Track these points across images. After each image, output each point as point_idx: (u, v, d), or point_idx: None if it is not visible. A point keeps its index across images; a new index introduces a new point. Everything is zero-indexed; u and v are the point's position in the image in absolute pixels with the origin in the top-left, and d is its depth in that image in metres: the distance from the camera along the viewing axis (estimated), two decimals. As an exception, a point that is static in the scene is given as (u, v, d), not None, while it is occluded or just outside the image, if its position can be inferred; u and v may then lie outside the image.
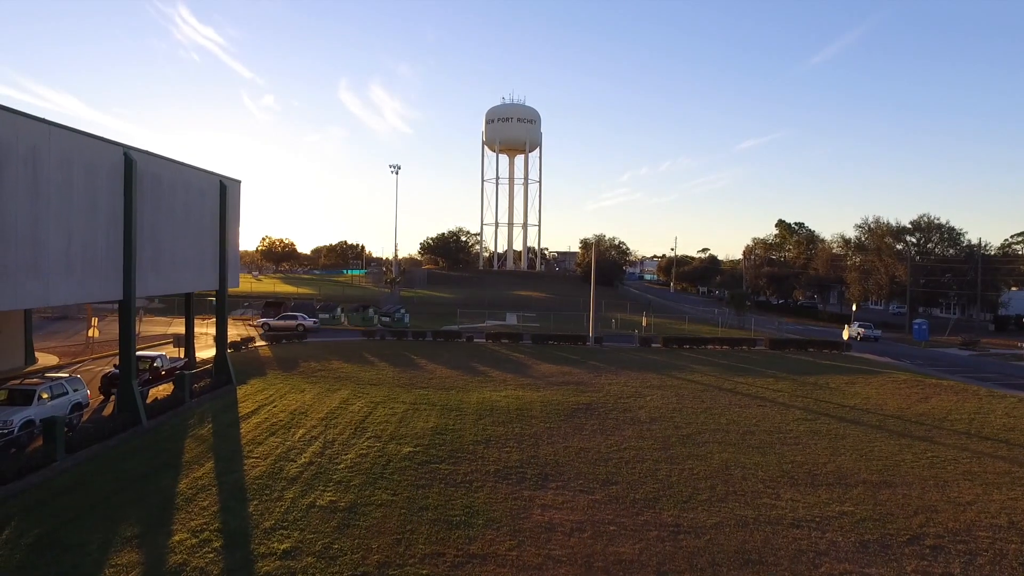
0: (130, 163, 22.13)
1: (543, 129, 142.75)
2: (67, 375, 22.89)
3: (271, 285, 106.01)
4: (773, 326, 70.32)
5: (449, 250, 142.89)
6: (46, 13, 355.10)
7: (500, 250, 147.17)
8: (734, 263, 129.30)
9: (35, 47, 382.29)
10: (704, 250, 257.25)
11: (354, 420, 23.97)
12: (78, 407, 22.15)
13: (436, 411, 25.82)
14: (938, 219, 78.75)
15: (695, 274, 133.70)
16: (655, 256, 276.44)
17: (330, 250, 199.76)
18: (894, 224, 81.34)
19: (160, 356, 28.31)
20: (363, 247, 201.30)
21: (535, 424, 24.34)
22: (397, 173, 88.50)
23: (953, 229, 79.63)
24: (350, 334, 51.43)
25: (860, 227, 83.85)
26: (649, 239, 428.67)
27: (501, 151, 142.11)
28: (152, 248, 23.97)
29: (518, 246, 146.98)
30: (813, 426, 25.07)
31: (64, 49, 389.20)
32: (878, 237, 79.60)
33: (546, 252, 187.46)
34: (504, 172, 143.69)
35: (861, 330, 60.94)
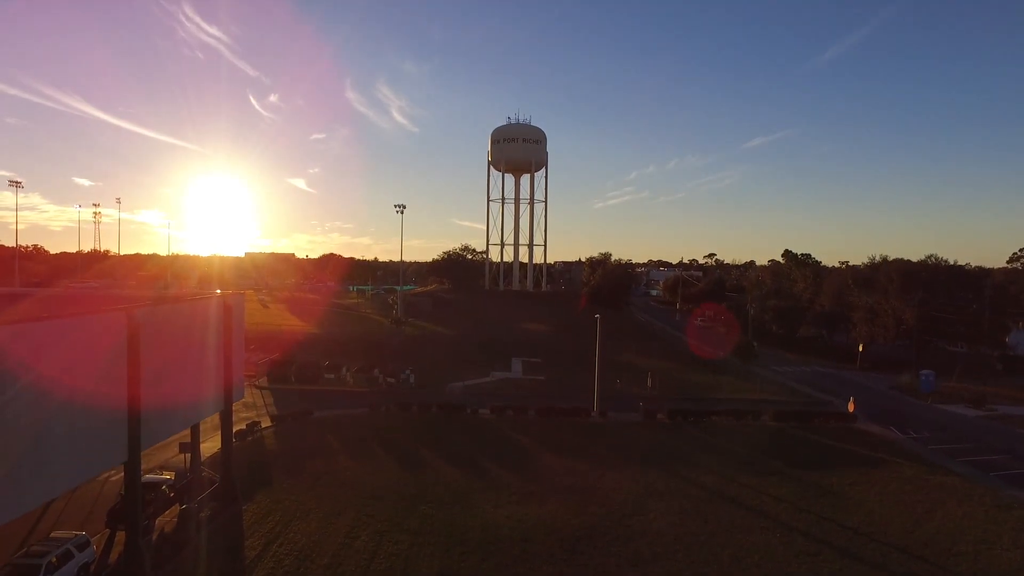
0: (134, 326, 22.30)
1: (548, 149, 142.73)
2: (72, 535, 23.05)
3: (279, 316, 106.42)
4: (778, 375, 70.18)
5: (455, 270, 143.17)
6: (49, 13, 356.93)
7: (506, 259, 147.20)
8: (741, 270, 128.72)
9: (39, 47, 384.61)
10: (711, 255, 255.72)
11: (359, 568, 24.23)
12: (85, 568, 22.43)
13: (440, 549, 26.02)
14: (946, 260, 78.47)
15: (701, 296, 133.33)
16: (661, 265, 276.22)
17: (339, 262, 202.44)
18: (901, 262, 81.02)
19: (167, 481, 28.53)
20: (365, 259, 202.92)
21: (538, 568, 24.52)
22: (402, 212, 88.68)
23: (961, 268, 79.35)
24: (356, 401, 51.73)
25: (867, 265, 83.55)
26: (655, 239, 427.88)
27: (507, 171, 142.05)
28: (157, 399, 24.09)
29: (523, 258, 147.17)
30: (814, 566, 25.14)
31: (68, 49, 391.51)
32: (886, 278, 79.31)
33: (553, 266, 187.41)
34: (510, 192, 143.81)
35: None
